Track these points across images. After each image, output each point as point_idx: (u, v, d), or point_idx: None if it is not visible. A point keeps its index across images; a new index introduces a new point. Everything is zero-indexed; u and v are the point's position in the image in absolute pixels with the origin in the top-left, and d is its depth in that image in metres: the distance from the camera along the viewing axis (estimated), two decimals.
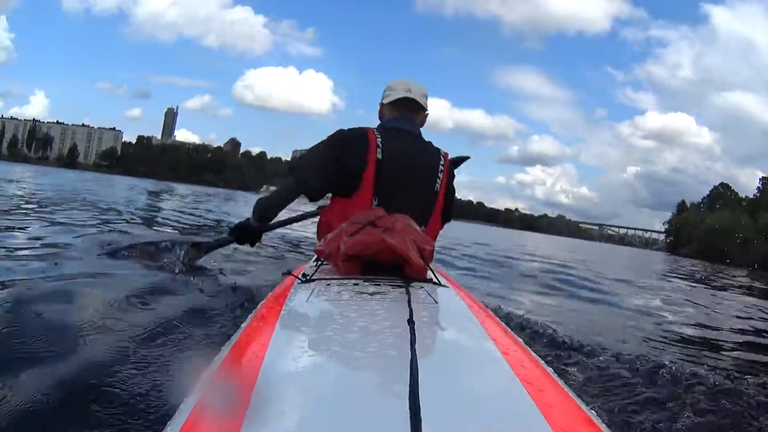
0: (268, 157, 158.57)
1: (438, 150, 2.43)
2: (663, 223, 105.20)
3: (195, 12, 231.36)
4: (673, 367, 2.68)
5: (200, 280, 3.56)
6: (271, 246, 6.77)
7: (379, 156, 2.24)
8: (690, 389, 2.44)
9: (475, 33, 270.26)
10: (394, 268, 1.62)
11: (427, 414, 0.67)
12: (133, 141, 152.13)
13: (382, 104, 2.50)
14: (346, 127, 2.40)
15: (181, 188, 41.23)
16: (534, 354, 1.19)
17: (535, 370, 1.03)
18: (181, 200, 20.28)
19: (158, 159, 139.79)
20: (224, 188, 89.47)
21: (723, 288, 13.71)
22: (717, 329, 5.77)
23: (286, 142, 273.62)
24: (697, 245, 67.92)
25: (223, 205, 18.98)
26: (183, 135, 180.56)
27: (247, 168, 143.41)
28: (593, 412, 0.90)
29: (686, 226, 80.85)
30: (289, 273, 1.80)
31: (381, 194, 2.23)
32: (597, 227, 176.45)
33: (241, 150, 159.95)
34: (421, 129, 2.50)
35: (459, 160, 2.76)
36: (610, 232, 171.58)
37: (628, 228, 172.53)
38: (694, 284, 14.04)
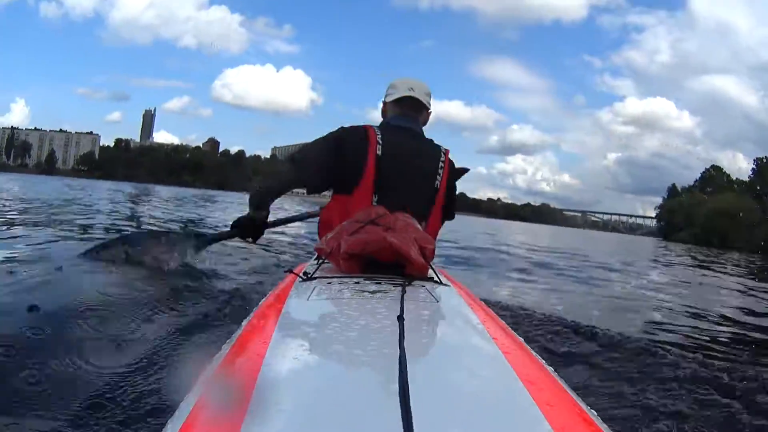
0: (247, 155, 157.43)
1: (439, 147, 2.43)
2: (655, 208, 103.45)
3: (171, 13, 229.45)
4: (681, 364, 2.72)
5: (201, 279, 3.59)
6: (271, 244, 6.75)
7: (379, 153, 2.24)
8: (697, 387, 2.46)
9: (452, 25, 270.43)
10: (396, 267, 1.61)
11: (419, 410, 0.67)
12: (112, 144, 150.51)
13: (384, 102, 2.52)
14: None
15: (161, 190, 40.89)
16: (534, 353, 1.19)
17: (536, 369, 1.04)
18: (160, 204, 19.95)
19: (137, 161, 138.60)
20: (202, 188, 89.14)
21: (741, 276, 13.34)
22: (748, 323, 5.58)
23: (266, 140, 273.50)
24: (694, 230, 67.08)
25: (196, 209, 18.18)
26: (163, 137, 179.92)
27: (226, 167, 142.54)
28: (593, 411, 0.90)
29: (681, 211, 79.30)
30: (290, 271, 1.84)
31: (381, 191, 2.23)
32: (580, 214, 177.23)
33: (220, 149, 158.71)
34: (423, 127, 2.51)
35: (459, 172, 2.66)
36: (594, 218, 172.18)
37: (612, 214, 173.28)
38: (717, 274, 13.62)
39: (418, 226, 1.79)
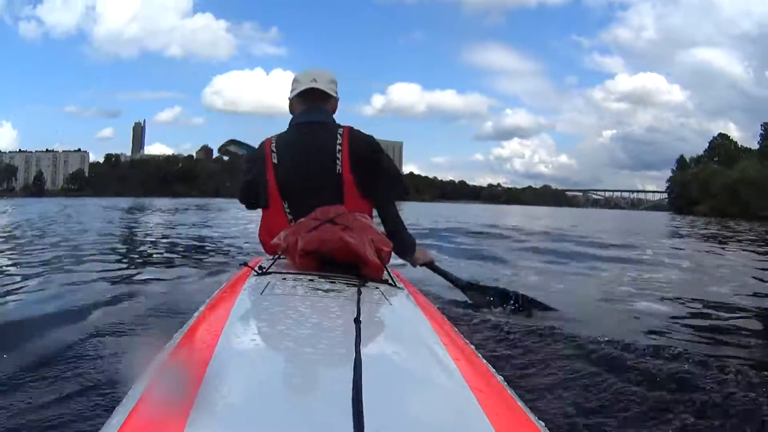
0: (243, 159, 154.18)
1: (336, 129, 2.38)
2: (667, 180, 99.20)
3: (155, 24, 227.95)
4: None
5: (153, 271, 3.84)
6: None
7: (275, 161, 2.31)
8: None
9: (438, 15, 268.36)
10: (351, 267, 1.62)
11: (370, 414, 0.67)
12: (102, 161, 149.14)
13: (290, 99, 2.51)
14: None
15: (147, 203, 40.06)
16: (483, 360, 1.19)
17: (485, 376, 1.04)
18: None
19: (127, 176, 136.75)
20: (198, 197, 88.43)
21: None
22: None
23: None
24: (714, 201, 64.07)
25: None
26: (157, 149, 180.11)
27: (220, 174, 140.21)
28: (542, 423, 0.90)
29: (695, 182, 75.67)
30: (245, 265, 1.84)
31: (288, 196, 2.30)
32: (581, 193, 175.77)
33: (214, 157, 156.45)
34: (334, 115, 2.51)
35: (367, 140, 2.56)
36: (595, 196, 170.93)
37: (613, 191, 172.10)
38: None
39: (376, 228, 1.78)
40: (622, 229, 19.42)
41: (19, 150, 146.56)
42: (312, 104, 2.43)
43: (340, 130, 2.36)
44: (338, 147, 2.31)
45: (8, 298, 3.08)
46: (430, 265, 3.03)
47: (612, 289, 5.35)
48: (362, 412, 0.66)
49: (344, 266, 1.62)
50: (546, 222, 21.00)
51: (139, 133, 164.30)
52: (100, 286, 3.39)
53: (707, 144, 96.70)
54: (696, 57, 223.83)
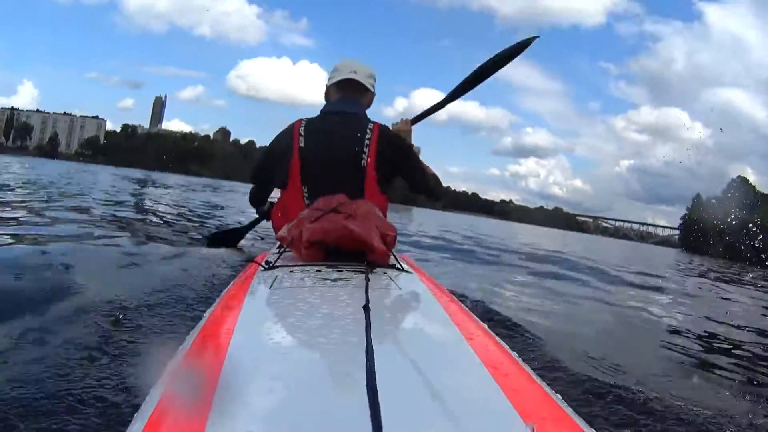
0: (258, 146, 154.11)
1: (367, 123, 2.39)
2: (681, 218, 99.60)
3: (188, 2, 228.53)
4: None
5: (160, 272, 3.52)
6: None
7: (302, 144, 2.31)
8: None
9: (469, 25, 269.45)
10: (357, 255, 1.62)
11: (385, 399, 0.66)
12: (118, 130, 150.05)
13: (327, 86, 2.53)
14: None
15: (159, 178, 38.84)
16: (498, 338, 1.18)
17: (500, 354, 1.03)
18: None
19: (142, 148, 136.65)
20: (209, 178, 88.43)
21: None
22: None
23: (278, 132, 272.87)
24: (728, 244, 62.59)
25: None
26: (176, 125, 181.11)
27: (235, 157, 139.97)
28: (558, 396, 0.89)
29: (712, 222, 74.71)
30: (252, 260, 1.88)
31: (308, 181, 2.30)
32: (591, 220, 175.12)
33: (231, 140, 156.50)
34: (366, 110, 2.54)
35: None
36: (605, 225, 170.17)
37: (624, 221, 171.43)
38: None
39: (380, 214, 1.80)
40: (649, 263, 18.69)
41: (37, 110, 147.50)
42: (348, 95, 2.46)
43: (371, 125, 2.37)
44: (366, 141, 2.33)
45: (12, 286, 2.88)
46: (415, 120, 2.98)
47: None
48: (377, 398, 0.65)
49: (350, 254, 1.63)
50: (573, 248, 20.18)
51: (159, 108, 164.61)
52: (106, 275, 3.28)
53: (722, 185, 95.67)
54: (722, 97, 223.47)
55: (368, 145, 2.32)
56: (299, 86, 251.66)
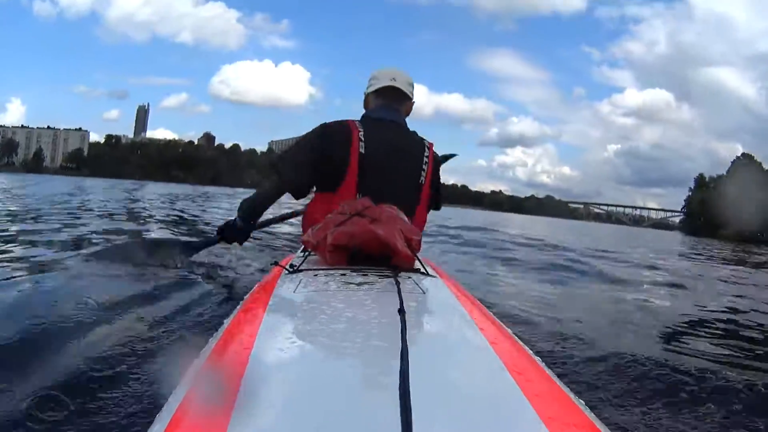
0: (243, 149, 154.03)
1: (422, 140, 2.42)
2: (687, 196, 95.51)
3: (168, 10, 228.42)
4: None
5: (186, 274, 3.59)
6: (258, 238, 6.49)
7: (362, 150, 2.24)
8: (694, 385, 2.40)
9: (450, 17, 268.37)
10: (382, 259, 1.62)
11: (417, 403, 0.66)
12: (102, 141, 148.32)
13: (366, 93, 2.50)
14: (323, 119, 2.44)
15: (137, 189, 37.11)
16: (522, 344, 1.19)
17: (524, 359, 1.04)
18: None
19: (127, 158, 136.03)
20: (194, 184, 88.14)
21: None
22: None
23: (265, 135, 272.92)
24: (742, 225, 60.49)
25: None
26: (161, 134, 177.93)
27: (220, 161, 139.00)
28: (582, 401, 0.90)
29: (722, 203, 72.68)
30: (276, 264, 1.83)
31: (365, 189, 2.23)
32: (582, 206, 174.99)
33: (216, 144, 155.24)
34: (406, 118, 2.50)
35: (446, 158, 2.86)
36: (597, 210, 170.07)
37: (615, 206, 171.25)
38: None
39: (404, 218, 1.79)
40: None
41: (21, 125, 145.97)
42: (390, 103, 2.42)
43: (427, 143, 2.40)
44: (425, 159, 2.35)
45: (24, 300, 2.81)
46: None
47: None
48: (410, 402, 0.66)
49: (375, 258, 1.62)
50: (588, 240, 19.19)
51: (142, 116, 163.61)
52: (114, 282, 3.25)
53: (718, 163, 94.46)
54: (708, 76, 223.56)
55: (426, 162, 2.34)
56: (282, 88, 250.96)
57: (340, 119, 2.37)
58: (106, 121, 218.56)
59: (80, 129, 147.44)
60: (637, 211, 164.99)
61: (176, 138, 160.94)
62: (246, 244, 3.36)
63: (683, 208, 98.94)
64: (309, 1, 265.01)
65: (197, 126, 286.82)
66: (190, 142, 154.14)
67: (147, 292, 3.00)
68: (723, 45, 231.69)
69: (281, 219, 3.68)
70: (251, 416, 0.70)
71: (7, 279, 3.15)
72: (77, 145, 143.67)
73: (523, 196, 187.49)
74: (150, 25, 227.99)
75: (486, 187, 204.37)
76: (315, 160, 2.28)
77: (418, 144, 2.37)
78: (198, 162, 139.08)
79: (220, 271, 3.95)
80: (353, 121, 2.33)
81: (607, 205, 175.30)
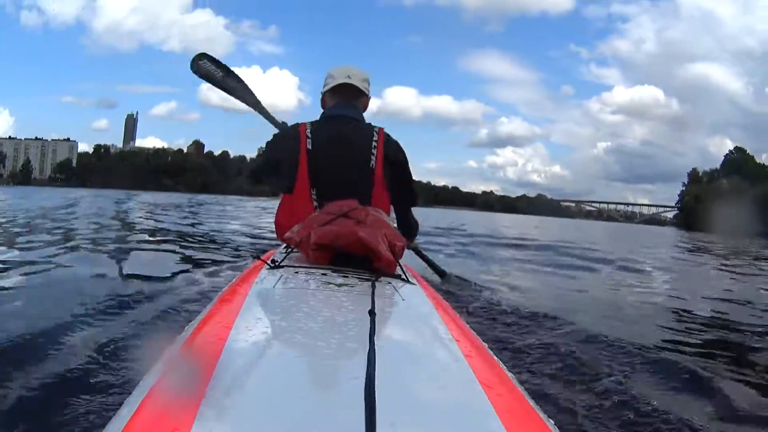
0: (232, 156, 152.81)
1: (371, 126, 2.46)
2: (680, 192, 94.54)
3: (155, 18, 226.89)
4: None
5: (166, 263, 3.83)
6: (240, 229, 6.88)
7: (309, 147, 2.32)
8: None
9: (437, 20, 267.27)
10: (364, 261, 1.64)
11: (381, 407, 0.67)
12: (91, 151, 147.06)
13: (323, 93, 2.57)
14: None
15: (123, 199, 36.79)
16: (495, 356, 1.20)
17: (496, 373, 1.04)
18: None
19: (116, 167, 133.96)
20: (184, 192, 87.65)
21: None
22: None
23: (255, 141, 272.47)
24: (741, 219, 60.22)
25: None
26: (151, 142, 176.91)
27: (209, 169, 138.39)
28: (551, 420, 0.91)
29: (719, 197, 71.66)
30: (257, 258, 1.83)
31: (318, 184, 2.31)
32: (574, 204, 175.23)
33: (205, 152, 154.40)
34: (363, 113, 2.57)
35: (396, 145, 2.76)
36: (588, 208, 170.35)
37: (608, 203, 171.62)
38: None
39: (390, 222, 1.83)
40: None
41: (9, 137, 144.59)
42: (344, 99, 2.49)
43: (376, 129, 2.44)
44: (374, 144, 2.39)
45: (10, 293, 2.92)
46: (417, 249, 3.37)
47: None
48: (375, 405, 0.66)
49: (357, 260, 1.63)
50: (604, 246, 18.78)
51: (131, 125, 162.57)
52: (100, 279, 3.25)
53: (702, 159, 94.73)
54: (695, 71, 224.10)
55: (375, 147, 2.38)
56: (271, 94, 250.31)
57: (293, 124, 2.52)
58: (96, 130, 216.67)
59: (68, 139, 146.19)
60: (629, 208, 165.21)
61: (165, 146, 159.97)
62: (225, 236, 3.32)
63: (677, 203, 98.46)
64: (296, 7, 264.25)
65: (187, 134, 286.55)
66: (179, 150, 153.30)
67: (125, 279, 3.12)
68: (709, 41, 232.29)
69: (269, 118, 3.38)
70: (220, 408, 0.70)
71: None
72: (66, 155, 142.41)
73: (514, 195, 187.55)
74: (137, 33, 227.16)
75: (477, 188, 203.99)
76: (267, 164, 2.58)
77: (367, 131, 2.42)
78: (187, 170, 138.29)
79: (199, 262, 4.03)
80: (304, 122, 2.43)
81: (599, 202, 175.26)
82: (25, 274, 3.54)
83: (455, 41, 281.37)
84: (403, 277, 1.64)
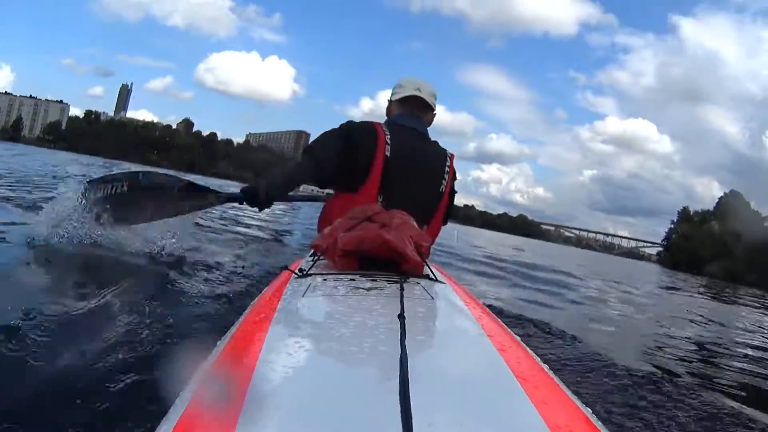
0: (219, 138, 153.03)
1: (444, 150, 2.48)
2: (669, 229, 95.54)
3: None
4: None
5: (195, 274, 3.60)
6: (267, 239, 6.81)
7: (388, 153, 2.26)
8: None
9: (440, 29, 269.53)
10: (391, 264, 1.61)
11: (417, 409, 0.67)
12: (82, 116, 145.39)
13: (390, 101, 2.55)
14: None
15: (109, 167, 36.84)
16: (530, 350, 1.18)
17: (532, 366, 1.03)
18: None
19: (103, 134, 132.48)
20: (169, 169, 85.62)
21: None
22: None
23: (244, 126, 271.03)
24: (729, 263, 59.49)
25: None
26: (143, 115, 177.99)
27: (196, 148, 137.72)
28: (589, 410, 0.89)
29: (709, 239, 71.06)
30: (285, 268, 1.82)
31: (386, 191, 2.24)
32: (553, 228, 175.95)
33: (193, 131, 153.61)
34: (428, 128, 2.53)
35: None
36: (567, 234, 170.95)
37: (587, 231, 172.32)
38: None
39: (414, 224, 1.78)
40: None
41: (5, 92, 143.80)
42: (414, 112, 2.46)
43: (449, 154, 2.46)
44: (446, 169, 2.40)
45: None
46: None
47: None
48: (410, 408, 0.66)
49: (385, 264, 1.60)
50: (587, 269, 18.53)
51: (124, 95, 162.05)
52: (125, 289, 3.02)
53: (687, 198, 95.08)
54: (692, 111, 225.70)
55: (447, 172, 2.39)
56: (267, 82, 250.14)
57: (363, 121, 2.40)
58: (90, 96, 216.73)
59: (61, 101, 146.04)
60: (608, 238, 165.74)
61: (155, 120, 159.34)
62: (253, 246, 3.27)
63: (663, 239, 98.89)
64: None
65: (179, 111, 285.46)
66: (168, 126, 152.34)
67: (155, 293, 2.96)
68: (711, 81, 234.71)
69: (303, 198, 3.65)
70: (258, 421, 0.71)
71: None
72: (57, 117, 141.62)
73: (495, 213, 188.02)
74: (145, 4, 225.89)
75: (459, 201, 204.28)
76: (343, 150, 2.26)
77: (441, 153, 2.44)
78: (174, 147, 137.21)
79: (228, 274, 3.91)
80: (379, 123, 2.37)
81: (579, 229, 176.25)
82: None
83: (455, 52, 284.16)
84: (431, 276, 1.64)
